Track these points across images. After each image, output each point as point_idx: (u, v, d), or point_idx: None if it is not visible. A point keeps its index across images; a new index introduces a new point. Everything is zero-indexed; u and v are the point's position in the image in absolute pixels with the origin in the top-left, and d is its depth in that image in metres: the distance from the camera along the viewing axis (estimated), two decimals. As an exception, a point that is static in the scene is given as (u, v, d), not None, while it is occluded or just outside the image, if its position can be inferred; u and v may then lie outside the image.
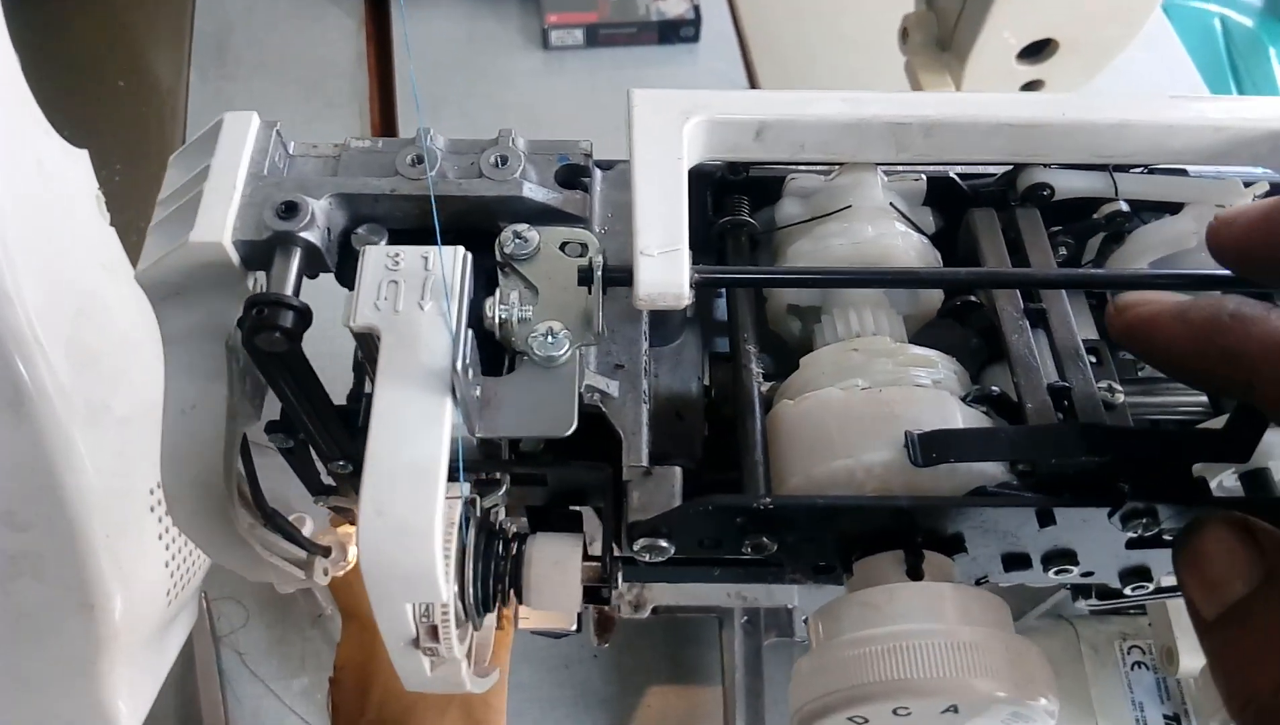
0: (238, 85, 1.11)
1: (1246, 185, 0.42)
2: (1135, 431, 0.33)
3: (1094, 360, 0.39)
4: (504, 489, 0.37)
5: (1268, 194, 0.43)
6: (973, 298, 0.41)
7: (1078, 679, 0.66)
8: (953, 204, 0.44)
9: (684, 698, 0.80)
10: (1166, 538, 0.35)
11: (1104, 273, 0.37)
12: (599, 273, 0.35)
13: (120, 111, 1.07)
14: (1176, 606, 0.62)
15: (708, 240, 0.44)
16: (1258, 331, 0.29)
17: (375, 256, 0.35)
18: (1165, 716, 0.65)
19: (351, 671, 0.69)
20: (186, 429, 0.41)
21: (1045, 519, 0.33)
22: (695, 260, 0.36)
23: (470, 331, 0.34)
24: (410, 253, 0.35)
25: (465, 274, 0.34)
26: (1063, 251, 0.43)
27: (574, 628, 0.67)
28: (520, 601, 0.36)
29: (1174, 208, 0.43)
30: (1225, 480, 0.39)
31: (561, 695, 0.81)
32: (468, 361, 0.33)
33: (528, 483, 0.38)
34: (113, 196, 0.69)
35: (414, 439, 0.32)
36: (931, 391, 0.36)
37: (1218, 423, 0.38)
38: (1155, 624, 0.65)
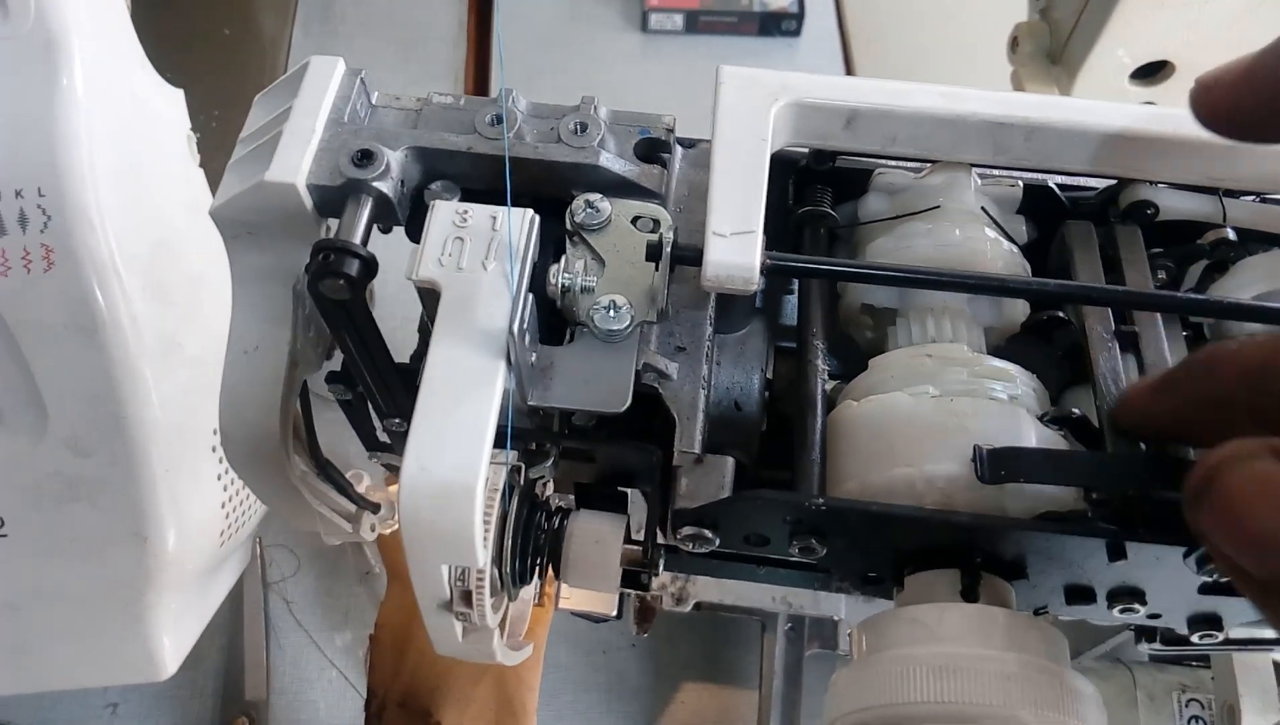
0: (339, 42, 1.12)
1: (1363, 225, 0.40)
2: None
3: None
4: (551, 461, 0.36)
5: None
6: (1060, 314, 0.39)
7: (1130, 726, 0.63)
8: (1049, 215, 0.42)
9: (718, 698, 0.79)
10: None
11: (1203, 298, 0.35)
12: (668, 249, 0.34)
13: (223, 58, 1.09)
14: (1242, 661, 0.59)
15: (785, 230, 0.42)
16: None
17: (444, 211, 0.35)
18: (1219, 775, 0.62)
19: (390, 631, 0.69)
20: (247, 369, 0.41)
21: (1116, 553, 0.31)
22: (769, 248, 0.35)
23: (531, 296, 0.33)
24: (479, 211, 0.35)
25: (531, 236, 0.33)
26: (1161, 275, 0.40)
27: (614, 614, 0.66)
28: (558, 577, 0.35)
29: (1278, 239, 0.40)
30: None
31: (596, 680, 0.80)
32: (525, 326, 0.32)
33: (576, 458, 0.38)
34: (208, 140, 0.71)
35: (464, 397, 0.31)
36: (1006, 406, 0.34)
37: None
38: (1219, 677, 0.61)
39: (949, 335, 0.38)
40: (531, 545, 0.35)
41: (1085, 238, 0.39)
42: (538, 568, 0.35)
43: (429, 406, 0.31)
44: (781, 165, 0.42)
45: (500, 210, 0.34)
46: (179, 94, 0.68)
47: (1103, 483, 0.32)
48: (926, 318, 0.39)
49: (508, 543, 0.34)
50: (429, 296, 0.35)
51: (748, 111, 0.37)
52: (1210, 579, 0.31)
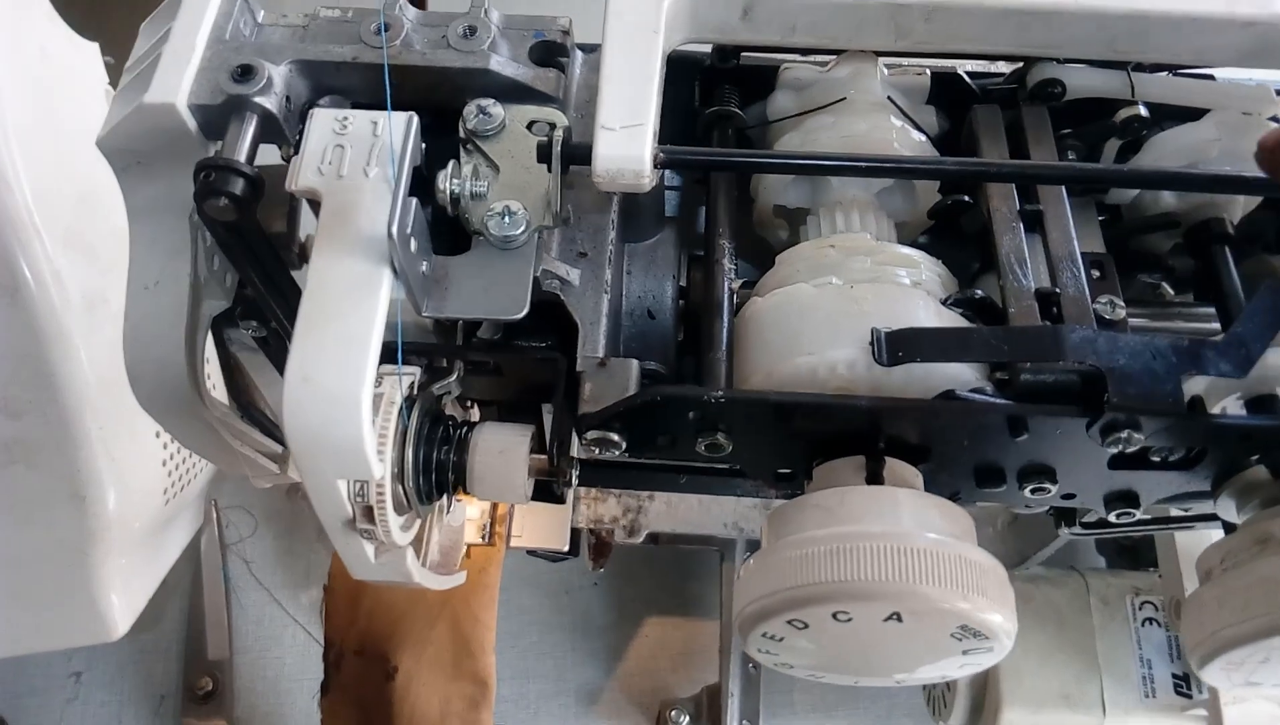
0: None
1: (1280, 92, 0.39)
2: (1121, 337, 0.31)
3: (1097, 274, 0.36)
4: (456, 376, 0.36)
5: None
6: (965, 198, 0.38)
7: (1083, 631, 0.63)
8: (958, 103, 0.41)
9: (682, 629, 0.79)
10: (1154, 458, 0.32)
11: (1104, 167, 0.34)
12: (557, 149, 0.33)
13: (139, 12, 1.05)
14: (1188, 556, 0.59)
15: (693, 133, 0.42)
16: None
17: (323, 119, 0.34)
18: (1174, 676, 0.62)
19: (344, 581, 0.68)
20: (149, 305, 0.40)
21: (1017, 428, 0.31)
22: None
23: (414, 201, 0.32)
24: (359, 117, 0.34)
25: (410, 138, 0.32)
26: (1072, 156, 0.40)
27: (566, 548, 0.66)
28: (466, 491, 0.35)
29: (1197, 114, 0.39)
30: (1230, 406, 0.36)
31: (560, 620, 0.80)
32: (408, 230, 0.31)
33: (483, 371, 0.37)
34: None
35: (347, 306, 0.30)
36: (907, 290, 0.33)
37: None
38: (1165, 576, 0.62)
39: (857, 228, 0.38)
40: (436, 459, 0.34)
41: (991, 122, 0.39)
42: (446, 482, 0.34)
43: (311, 317, 0.30)
44: (686, 67, 0.42)
45: (381, 115, 0.33)
46: (94, 47, 0.67)
47: (999, 356, 0.31)
48: (835, 212, 0.38)
49: (409, 457, 0.33)
50: (316, 207, 0.34)
51: (640, 4, 0.36)
52: (1118, 451, 0.31)
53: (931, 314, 0.33)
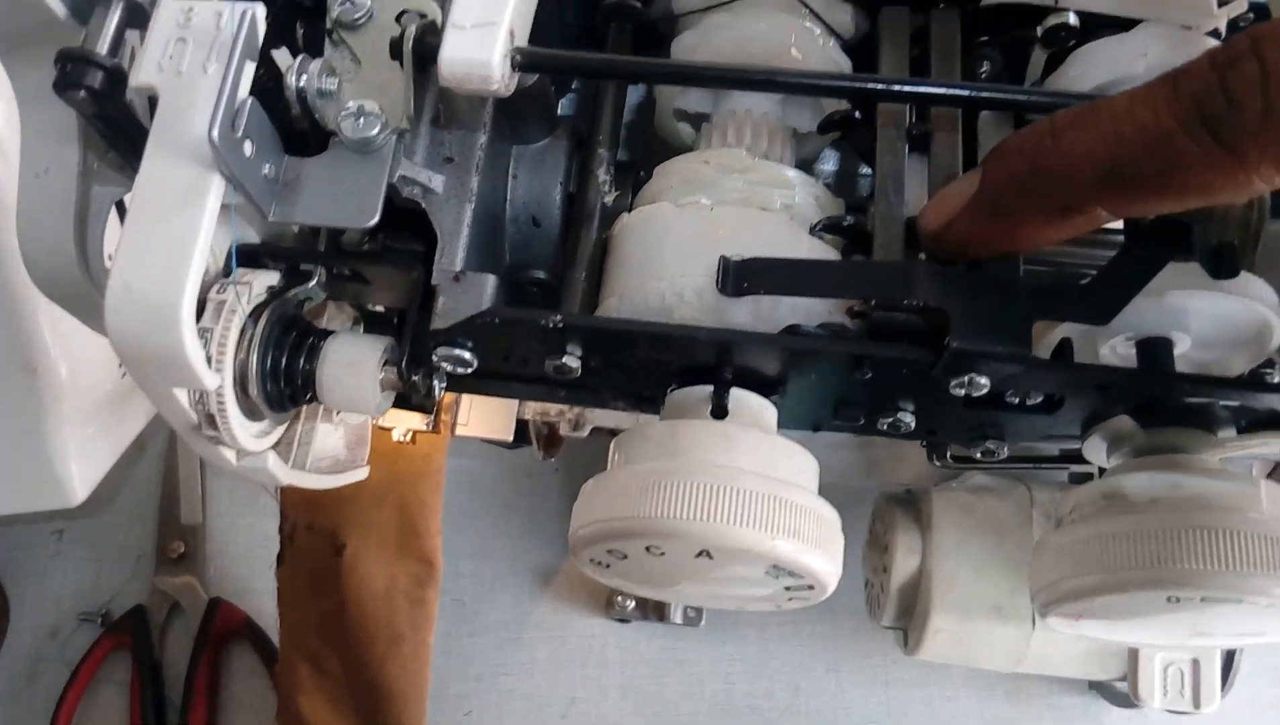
0: None
1: (1221, 3, 0.36)
2: (974, 277, 0.29)
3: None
4: (315, 281, 0.35)
5: (1248, 18, 0.36)
6: (855, 113, 0.36)
7: (1023, 544, 0.63)
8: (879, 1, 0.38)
9: (638, 518, 0.80)
10: (1010, 401, 0.31)
11: (998, 88, 0.31)
12: (408, 46, 0.32)
13: None
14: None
15: (592, 29, 0.39)
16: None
17: (168, 9, 0.32)
18: (1113, 593, 0.62)
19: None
20: (40, 192, 0.40)
21: (860, 366, 0.30)
22: (573, 46, 0.32)
23: (252, 100, 0.31)
24: (205, 8, 0.32)
25: (243, 30, 0.30)
26: (986, 67, 0.37)
27: (510, 440, 0.66)
28: (319, 401, 0.35)
29: (1129, 25, 0.36)
30: (1119, 347, 0.35)
31: (519, 503, 0.81)
32: (238, 134, 0.30)
33: (345, 279, 0.36)
34: None
35: (172, 212, 0.30)
36: (769, 215, 0.32)
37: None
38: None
39: (748, 140, 0.36)
40: (285, 368, 0.34)
41: (897, 27, 0.36)
42: (297, 392, 0.34)
43: (136, 223, 0.30)
44: (585, -46, 0.39)
45: (227, 5, 0.32)
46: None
47: (843, 292, 0.30)
48: (729, 123, 0.36)
49: (254, 365, 0.33)
50: (158, 104, 0.33)
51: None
52: (962, 394, 0.29)
53: (793, 241, 0.31)
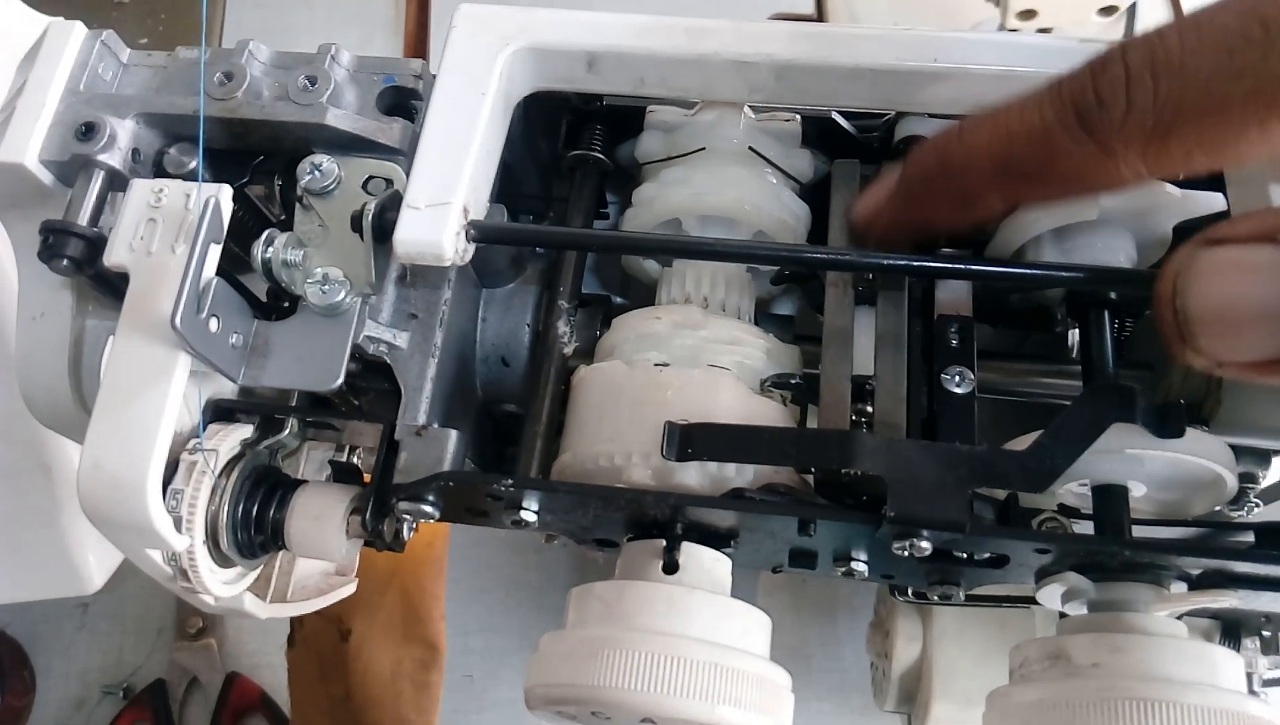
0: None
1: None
2: (913, 447, 0.30)
3: (956, 342, 0.35)
4: (289, 432, 0.36)
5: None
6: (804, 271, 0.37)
7: (1025, 632, 0.62)
8: (838, 146, 0.39)
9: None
10: (959, 555, 0.32)
11: (931, 262, 0.32)
12: (368, 221, 0.33)
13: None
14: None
15: (561, 171, 0.41)
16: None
17: (139, 191, 0.34)
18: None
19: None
20: (36, 336, 0.42)
21: (805, 527, 0.30)
22: (541, 195, 0.33)
23: (217, 281, 0.32)
24: (174, 188, 0.34)
25: (207, 215, 0.32)
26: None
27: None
28: (288, 550, 0.36)
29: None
30: (1075, 489, 0.35)
31: (527, 578, 0.82)
32: (202, 314, 0.31)
33: (319, 426, 0.37)
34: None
35: (139, 393, 0.31)
36: (716, 376, 0.33)
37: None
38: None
39: (705, 288, 0.37)
40: (255, 518, 0.35)
41: (848, 180, 0.37)
42: (268, 542, 0.35)
43: (105, 403, 0.31)
44: (553, 106, 0.40)
45: (194, 187, 0.33)
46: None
47: (780, 461, 0.30)
48: (687, 270, 0.37)
49: (224, 520, 0.34)
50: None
51: (472, 61, 0.35)
52: (905, 555, 0.30)
53: (739, 403, 0.32)
